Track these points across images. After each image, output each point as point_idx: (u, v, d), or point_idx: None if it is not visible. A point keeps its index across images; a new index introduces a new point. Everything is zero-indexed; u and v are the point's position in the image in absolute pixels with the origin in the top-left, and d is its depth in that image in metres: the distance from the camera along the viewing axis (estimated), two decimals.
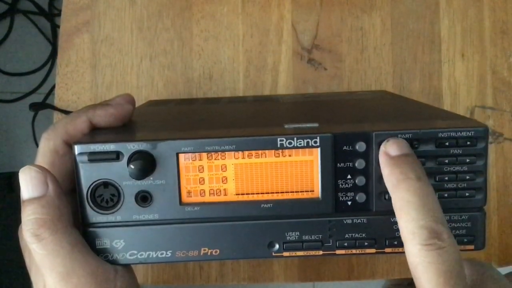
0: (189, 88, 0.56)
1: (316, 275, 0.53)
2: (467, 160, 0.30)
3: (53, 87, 1.30)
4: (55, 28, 1.35)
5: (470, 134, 0.29)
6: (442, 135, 0.29)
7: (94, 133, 0.32)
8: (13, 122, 1.33)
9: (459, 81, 0.55)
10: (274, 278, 0.53)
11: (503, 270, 0.54)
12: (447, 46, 0.56)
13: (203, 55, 0.56)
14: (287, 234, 0.31)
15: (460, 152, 0.30)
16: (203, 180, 0.30)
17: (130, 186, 0.30)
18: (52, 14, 1.36)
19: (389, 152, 0.28)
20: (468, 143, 0.29)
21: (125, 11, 0.56)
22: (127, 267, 0.32)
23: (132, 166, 0.29)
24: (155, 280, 0.53)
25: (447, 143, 0.29)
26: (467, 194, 0.30)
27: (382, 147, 0.29)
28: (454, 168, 0.30)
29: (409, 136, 0.29)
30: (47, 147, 0.31)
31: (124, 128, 0.34)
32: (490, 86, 0.55)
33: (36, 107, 0.57)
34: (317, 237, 0.31)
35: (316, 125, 0.31)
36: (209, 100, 0.52)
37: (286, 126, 0.31)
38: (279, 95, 0.55)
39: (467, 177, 0.30)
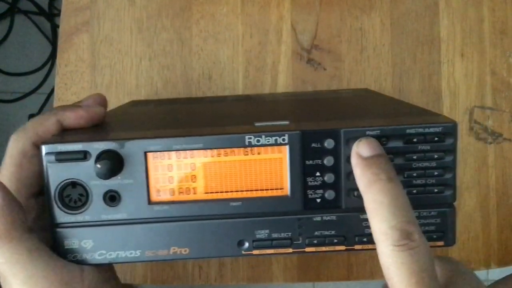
0: (189, 88, 0.56)
1: (315, 276, 0.53)
2: (436, 156, 0.30)
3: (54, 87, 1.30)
4: (55, 28, 1.35)
5: (438, 130, 0.29)
6: (410, 131, 0.29)
7: (63, 133, 0.32)
8: (13, 122, 1.34)
9: (458, 81, 0.55)
10: (273, 278, 0.53)
11: (503, 271, 0.54)
12: (446, 46, 0.56)
13: (202, 55, 0.56)
14: (257, 232, 0.31)
15: (429, 148, 0.30)
16: (172, 179, 0.30)
17: (98, 186, 0.30)
18: (52, 14, 1.36)
19: (360, 152, 0.28)
20: (436, 139, 0.29)
21: (125, 11, 0.56)
22: None
23: (98, 166, 0.28)
24: (155, 280, 0.53)
25: (415, 139, 0.29)
26: (436, 190, 0.30)
27: (354, 148, 0.29)
28: (422, 164, 0.30)
29: (377, 132, 0.29)
30: (15, 148, 0.31)
31: (94, 128, 0.34)
32: (490, 86, 0.55)
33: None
34: (286, 234, 0.31)
35: (286, 122, 0.31)
36: (190, 100, 0.52)
37: (256, 124, 0.31)
38: (261, 94, 0.55)
39: (436, 173, 0.30)
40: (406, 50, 0.56)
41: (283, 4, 0.56)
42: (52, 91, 1.31)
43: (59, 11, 0.95)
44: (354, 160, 0.28)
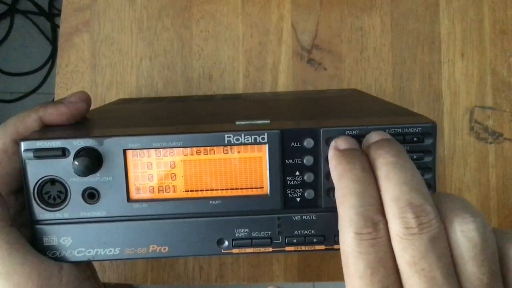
0: (189, 88, 0.56)
1: (316, 275, 0.53)
2: (415, 157, 0.30)
3: None
4: (55, 28, 1.35)
5: (417, 130, 0.29)
6: (389, 131, 0.29)
7: (44, 130, 0.32)
8: None
9: (459, 81, 0.55)
10: (274, 278, 0.53)
11: None
12: (447, 46, 0.56)
13: (203, 55, 0.56)
14: (236, 231, 0.31)
15: (408, 148, 0.30)
16: (152, 176, 0.30)
17: (77, 183, 0.30)
18: (52, 14, 1.36)
19: (338, 146, 0.28)
20: (415, 139, 0.29)
21: (125, 11, 0.56)
22: None
23: (76, 163, 0.28)
24: (155, 280, 0.53)
25: None
26: None
27: (332, 143, 0.29)
28: None
29: (357, 132, 0.29)
30: None
31: (75, 126, 0.34)
32: (490, 86, 0.55)
33: None
34: (266, 233, 0.31)
35: (267, 121, 0.31)
36: (178, 98, 0.52)
37: (237, 122, 0.31)
38: (251, 93, 0.55)
39: None
40: (406, 50, 0.56)
41: (283, 4, 0.56)
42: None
43: (59, 11, 0.95)
44: (331, 153, 0.28)
